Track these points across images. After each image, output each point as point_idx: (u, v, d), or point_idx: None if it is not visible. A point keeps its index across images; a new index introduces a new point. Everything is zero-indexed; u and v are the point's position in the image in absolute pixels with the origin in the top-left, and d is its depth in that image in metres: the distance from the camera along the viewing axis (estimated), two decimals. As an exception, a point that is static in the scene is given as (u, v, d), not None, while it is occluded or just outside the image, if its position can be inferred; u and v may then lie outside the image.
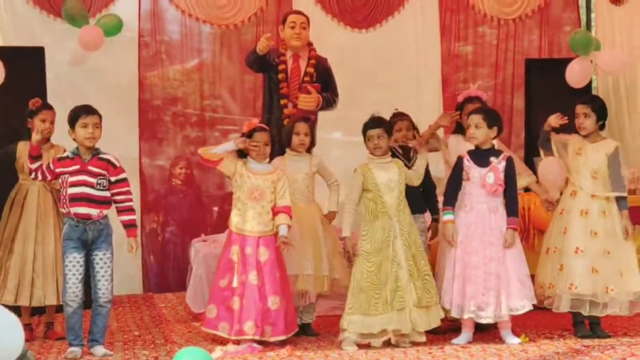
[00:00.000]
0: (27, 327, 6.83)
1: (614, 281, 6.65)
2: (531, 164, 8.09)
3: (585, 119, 6.81)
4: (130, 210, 6.51)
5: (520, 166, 7.21)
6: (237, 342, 6.49)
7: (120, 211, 6.48)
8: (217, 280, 6.64)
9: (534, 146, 7.15)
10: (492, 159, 6.62)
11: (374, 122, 6.70)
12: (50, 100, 7.62)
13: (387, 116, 7.11)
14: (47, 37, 8.97)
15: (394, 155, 6.91)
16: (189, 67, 9.71)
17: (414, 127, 7.19)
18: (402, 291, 6.44)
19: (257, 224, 6.61)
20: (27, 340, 6.47)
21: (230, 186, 6.94)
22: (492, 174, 6.59)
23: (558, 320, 7.07)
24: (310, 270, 6.89)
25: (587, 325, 6.79)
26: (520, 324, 7.09)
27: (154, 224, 9.53)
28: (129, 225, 6.48)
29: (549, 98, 9.15)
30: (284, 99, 8.05)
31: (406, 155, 7.12)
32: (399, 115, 7.20)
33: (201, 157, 6.73)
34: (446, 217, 6.67)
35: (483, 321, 6.57)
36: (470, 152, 6.71)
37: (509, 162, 6.67)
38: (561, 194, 7.07)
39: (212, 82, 9.71)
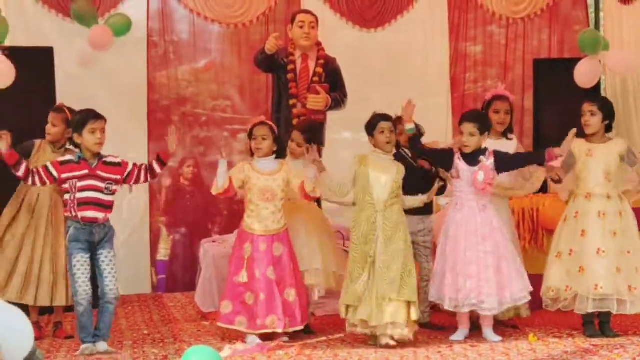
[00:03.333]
0: (36, 326, 6.84)
1: (635, 280, 6.67)
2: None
3: (591, 117, 6.82)
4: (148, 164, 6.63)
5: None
6: (260, 337, 6.53)
7: (147, 171, 6.58)
8: (231, 277, 6.68)
9: (544, 146, 7.14)
10: (481, 157, 6.69)
11: (384, 116, 6.73)
12: (59, 100, 7.63)
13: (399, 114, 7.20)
14: (56, 37, 8.98)
15: (402, 157, 6.96)
16: (198, 67, 9.71)
17: (416, 126, 7.18)
18: (374, 285, 6.51)
19: (272, 223, 6.66)
20: (36, 339, 6.49)
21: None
22: (483, 172, 6.64)
23: (567, 320, 7.08)
24: (319, 265, 6.93)
25: (596, 326, 6.79)
26: (530, 324, 7.12)
27: (163, 224, 9.54)
28: (158, 159, 6.60)
29: (558, 98, 9.15)
30: (292, 99, 8.07)
31: (413, 155, 7.15)
32: (400, 118, 7.21)
33: (219, 195, 6.74)
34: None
35: (486, 313, 6.63)
36: (460, 154, 6.78)
37: (496, 154, 6.70)
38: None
39: (221, 82, 9.72)
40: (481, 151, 6.76)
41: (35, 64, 8.32)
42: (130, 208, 9.20)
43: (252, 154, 6.78)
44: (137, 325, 7.57)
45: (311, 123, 7.56)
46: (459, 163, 6.75)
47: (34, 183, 6.42)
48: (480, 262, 6.63)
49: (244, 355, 6.20)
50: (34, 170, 6.39)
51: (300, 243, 6.87)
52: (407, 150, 7.15)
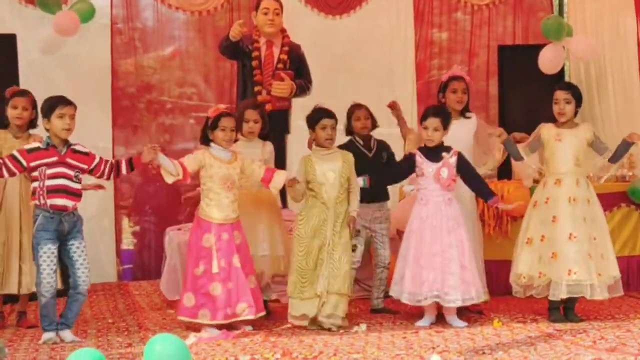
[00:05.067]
0: (-1, 316, 6.84)
1: (601, 266, 6.74)
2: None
3: (566, 105, 6.87)
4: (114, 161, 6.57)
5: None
6: (220, 327, 6.53)
7: (113, 169, 6.51)
8: (191, 269, 6.63)
9: (508, 131, 7.19)
10: (444, 154, 6.75)
11: (327, 112, 6.78)
12: (22, 87, 7.55)
13: (362, 101, 7.29)
14: (19, 23, 8.89)
15: (353, 146, 7.03)
16: (164, 54, 9.66)
17: (371, 116, 7.23)
18: (324, 278, 6.59)
19: (232, 212, 6.66)
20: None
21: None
22: (446, 169, 6.71)
23: (531, 305, 7.14)
24: (266, 251, 6.97)
25: (561, 311, 6.84)
26: (494, 309, 7.17)
27: (129, 212, 9.50)
28: (129, 162, 6.53)
29: (523, 84, 9.21)
30: (257, 85, 8.07)
31: (367, 145, 7.20)
32: (357, 105, 7.25)
33: (177, 182, 6.72)
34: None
35: (451, 305, 6.66)
36: (421, 149, 6.85)
37: (460, 156, 6.80)
38: (536, 182, 7.12)
39: (186, 70, 9.68)
40: (443, 148, 6.81)
41: (-2, 50, 8.27)
42: (94, 196, 9.14)
43: (203, 143, 6.74)
44: (102, 313, 7.54)
45: (255, 100, 7.62)
46: (421, 161, 6.79)
47: (1, 175, 6.29)
48: (445, 255, 6.67)
49: (210, 343, 6.20)
50: (0, 161, 6.29)
51: (248, 229, 6.84)
52: (359, 139, 7.19)
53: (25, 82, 8.06)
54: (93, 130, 8.95)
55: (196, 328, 6.57)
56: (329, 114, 6.76)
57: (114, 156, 9.27)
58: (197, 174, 6.68)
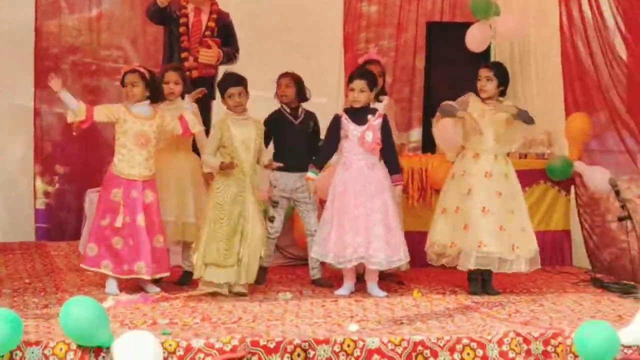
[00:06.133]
0: None
1: (518, 239, 6.85)
2: (428, 125, 8.21)
3: (487, 82, 6.96)
4: None
5: None
6: (127, 291, 6.54)
7: None
8: (97, 220, 6.66)
9: (433, 106, 7.27)
10: (370, 117, 6.79)
11: (234, 79, 6.78)
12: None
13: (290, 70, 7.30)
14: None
15: (279, 114, 7.14)
16: (90, 15, 9.49)
17: (297, 86, 7.24)
18: (244, 245, 6.61)
19: (144, 169, 6.65)
20: None
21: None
22: (371, 132, 6.76)
23: (450, 277, 7.23)
24: (170, 217, 6.93)
25: (480, 284, 6.95)
26: (414, 280, 7.25)
27: (50, 172, 9.36)
28: None
29: (449, 61, 9.29)
30: (184, 52, 8.02)
31: (294, 114, 7.23)
32: (282, 74, 7.31)
33: (78, 125, 6.68)
34: (309, 174, 6.82)
35: (374, 267, 6.72)
36: (347, 110, 6.90)
37: (384, 120, 6.86)
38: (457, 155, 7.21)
39: (113, 33, 9.53)
40: (369, 110, 6.85)
41: None
42: (13, 154, 9.02)
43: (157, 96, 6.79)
44: (19, 273, 7.44)
45: (175, 63, 7.64)
46: (347, 123, 6.82)
47: None
48: (369, 219, 6.71)
49: (128, 307, 6.16)
50: None
51: (160, 192, 6.82)
52: (285, 107, 7.22)
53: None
54: (16, 90, 8.84)
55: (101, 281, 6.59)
56: (234, 82, 6.74)
57: (37, 114, 9.15)
58: (110, 126, 6.69)
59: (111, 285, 6.62)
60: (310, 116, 7.34)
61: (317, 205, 7.27)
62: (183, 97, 7.08)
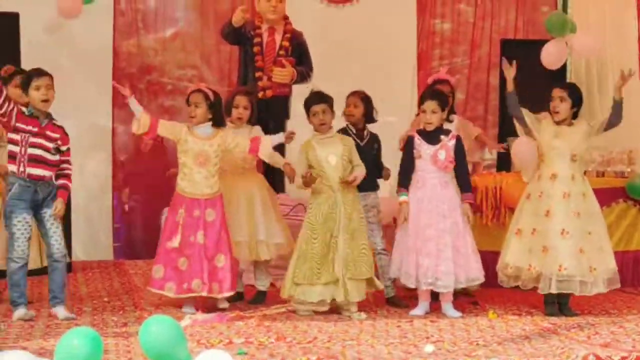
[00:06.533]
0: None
1: (596, 260, 6.74)
2: (503, 142, 8.17)
3: (561, 103, 6.85)
4: (69, 176, 6.52)
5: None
6: (204, 310, 6.57)
7: (60, 175, 6.47)
8: (164, 242, 6.72)
9: (509, 124, 7.21)
10: (442, 137, 6.78)
11: (318, 97, 6.78)
12: (24, 67, 7.55)
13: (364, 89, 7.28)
14: (22, 3, 8.81)
15: (345, 133, 7.05)
16: (165, 36, 9.63)
17: (365, 106, 7.19)
18: (340, 263, 6.58)
19: (205, 187, 6.70)
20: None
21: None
22: (444, 151, 6.74)
23: (526, 298, 7.15)
24: (241, 237, 6.97)
25: (556, 305, 6.86)
26: (490, 301, 7.18)
27: (126, 191, 9.49)
28: (65, 188, 6.48)
29: (524, 79, 9.17)
30: (258, 71, 8.08)
31: (358, 134, 7.18)
32: (351, 92, 7.25)
33: (142, 136, 6.80)
34: (401, 198, 6.79)
35: (442, 290, 6.71)
36: (419, 132, 6.87)
37: (458, 141, 6.84)
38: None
39: (188, 52, 9.66)
40: (443, 131, 6.84)
41: (0, 30, 8.22)
42: (92, 173, 9.16)
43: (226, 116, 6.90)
44: (98, 292, 7.55)
45: (247, 87, 7.67)
46: (419, 143, 6.80)
47: (2, 115, 6.23)
48: (439, 240, 6.69)
49: (204, 325, 6.21)
50: (10, 103, 6.25)
51: (230, 213, 6.87)
52: (351, 127, 7.18)
53: (26, 61, 8.02)
54: (94, 109, 9.01)
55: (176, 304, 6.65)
56: (319, 100, 6.76)
57: (115, 134, 9.33)
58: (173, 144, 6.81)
59: (188, 304, 6.67)
60: (375, 139, 7.29)
61: (381, 225, 7.24)
62: (250, 123, 7.11)
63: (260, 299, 7.09)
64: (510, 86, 7.00)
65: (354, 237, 6.68)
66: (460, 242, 6.73)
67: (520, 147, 7.17)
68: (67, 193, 6.53)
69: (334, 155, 6.72)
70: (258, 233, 7.03)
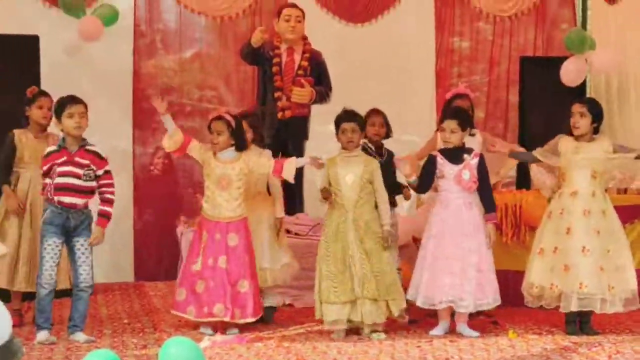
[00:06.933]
0: (17, 313, 6.87)
1: (614, 279, 6.70)
2: (523, 164, 8.13)
3: (581, 119, 6.81)
4: (110, 202, 6.56)
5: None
6: (222, 332, 6.57)
7: (101, 200, 6.53)
8: (188, 265, 6.75)
9: (529, 141, 7.19)
10: (465, 156, 6.76)
11: (348, 115, 6.77)
12: (44, 89, 7.61)
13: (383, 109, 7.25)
14: (42, 25, 8.92)
15: (364, 151, 7.00)
16: (185, 56, 9.68)
17: (386, 124, 7.20)
18: (357, 282, 6.55)
19: (227, 211, 6.70)
20: (15, 326, 6.48)
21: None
22: (468, 171, 6.72)
23: (546, 316, 7.10)
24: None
25: (577, 324, 6.82)
26: (509, 320, 7.14)
27: (149, 212, 9.52)
28: (103, 215, 6.52)
29: (544, 96, 9.19)
30: (277, 91, 8.11)
31: (378, 151, 7.17)
32: (373, 111, 7.21)
33: (174, 153, 6.88)
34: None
35: (462, 310, 6.67)
36: (441, 151, 6.85)
37: (481, 160, 6.81)
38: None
39: (207, 73, 9.68)
40: (465, 150, 6.81)
41: (21, 52, 8.31)
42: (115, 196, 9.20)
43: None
44: (118, 314, 7.57)
45: (248, 110, 7.68)
46: (442, 163, 6.78)
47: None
48: (465, 260, 6.67)
49: (223, 347, 6.21)
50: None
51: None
52: (370, 145, 7.16)
53: (46, 83, 8.08)
54: (114, 131, 9.03)
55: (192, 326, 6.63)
56: (350, 118, 6.75)
57: (135, 157, 9.35)
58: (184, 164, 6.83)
59: (206, 326, 6.69)
60: (391, 155, 7.30)
61: (397, 243, 7.22)
62: (260, 144, 7.11)
63: (267, 316, 7.03)
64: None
65: (369, 257, 6.65)
66: (483, 263, 6.71)
67: (538, 170, 7.14)
68: (107, 221, 6.54)
69: (353, 175, 6.71)
70: (262, 260, 7.02)
